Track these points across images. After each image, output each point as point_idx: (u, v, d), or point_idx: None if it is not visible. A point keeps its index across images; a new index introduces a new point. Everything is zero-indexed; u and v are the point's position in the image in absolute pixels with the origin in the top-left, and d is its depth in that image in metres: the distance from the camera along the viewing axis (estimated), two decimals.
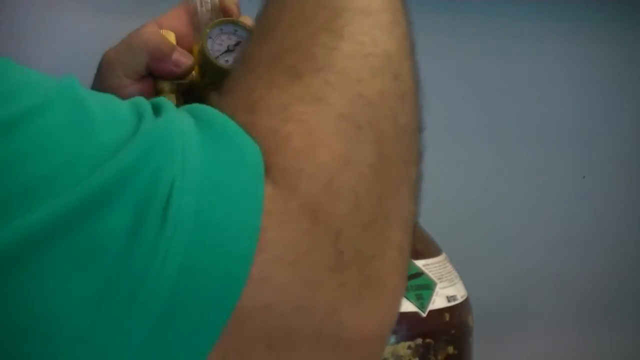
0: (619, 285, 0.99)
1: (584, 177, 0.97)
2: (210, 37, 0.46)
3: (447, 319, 0.54)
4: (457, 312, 0.55)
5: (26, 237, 0.26)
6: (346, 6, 0.34)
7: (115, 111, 0.29)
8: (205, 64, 0.46)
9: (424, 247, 0.56)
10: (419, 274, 0.54)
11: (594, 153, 0.97)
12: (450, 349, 0.54)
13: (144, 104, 0.31)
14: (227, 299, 0.28)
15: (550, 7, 0.93)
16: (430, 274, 0.54)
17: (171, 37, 0.47)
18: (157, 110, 0.30)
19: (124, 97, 0.45)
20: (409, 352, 0.52)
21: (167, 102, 0.31)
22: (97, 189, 0.26)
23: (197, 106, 0.32)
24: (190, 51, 0.47)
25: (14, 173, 0.26)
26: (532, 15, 0.93)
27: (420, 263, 0.54)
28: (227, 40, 0.46)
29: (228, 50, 0.46)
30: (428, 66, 0.90)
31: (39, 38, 0.74)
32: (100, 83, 0.46)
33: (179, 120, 0.30)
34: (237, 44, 0.46)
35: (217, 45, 0.46)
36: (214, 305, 0.28)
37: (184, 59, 0.46)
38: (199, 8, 0.48)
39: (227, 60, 0.46)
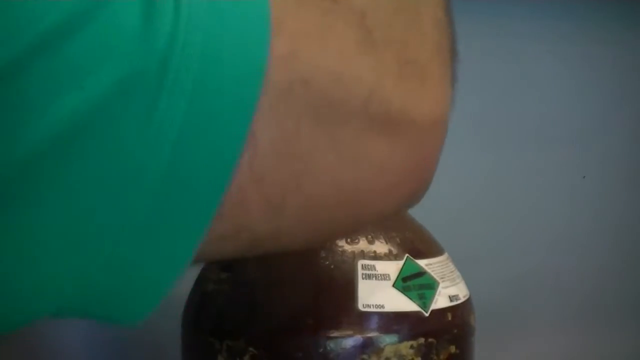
0: (619, 285, 0.99)
1: (584, 177, 0.97)
2: None
3: (450, 318, 0.54)
4: (459, 312, 0.55)
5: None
6: None
7: None
8: None
9: (426, 246, 0.56)
10: (422, 273, 0.54)
11: (594, 153, 0.97)
12: (453, 349, 0.54)
13: None
14: (253, 77, 0.26)
15: (550, 7, 0.93)
16: (432, 274, 0.54)
17: None
18: None
19: None
20: (411, 351, 0.52)
21: None
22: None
23: None
24: None
25: None
26: (532, 15, 0.93)
27: (422, 262, 0.54)
28: None
29: None
30: None
31: None
32: None
33: None
34: None
35: None
36: (243, 83, 0.26)
37: None
38: None
39: None
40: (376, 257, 0.53)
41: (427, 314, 0.52)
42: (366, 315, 0.51)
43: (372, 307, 0.51)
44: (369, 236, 0.54)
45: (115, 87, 0.24)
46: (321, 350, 0.51)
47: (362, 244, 0.53)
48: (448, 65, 0.33)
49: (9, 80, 0.23)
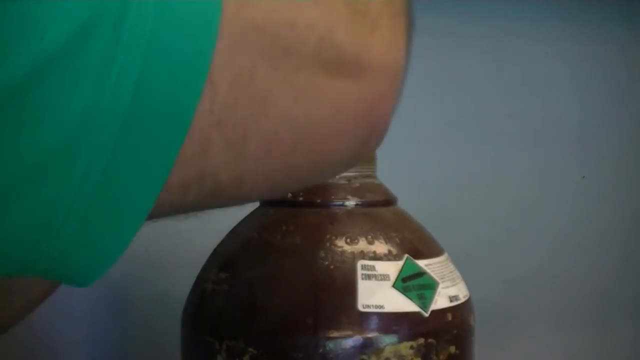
0: (619, 286, 0.99)
1: (583, 177, 0.97)
2: None
3: (450, 318, 0.54)
4: (459, 312, 0.55)
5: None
6: None
7: None
8: None
9: (425, 247, 0.56)
10: (421, 273, 0.53)
11: (594, 153, 0.97)
12: (452, 349, 0.54)
13: None
14: (209, 25, 0.27)
15: (550, 7, 0.93)
16: (432, 274, 0.54)
17: None
18: None
19: None
20: (411, 352, 0.52)
21: None
22: None
23: None
24: None
25: None
26: (531, 15, 0.93)
27: (422, 263, 0.54)
28: None
29: None
30: (428, 66, 0.91)
31: None
32: None
33: None
34: None
35: None
36: (199, 32, 0.27)
37: None
38: None
39: None
40: (376, 257, 0.53)
41: (427, 315, 0.52)
42: (366, 316, 0.51)
43: (371, 307, 0.51)
44: (369, 236, 0.54)
45: (72, 36, 0.24)
46: (321, 350, 0.51)
47: (362, 244, 0.53)
48: (401, 16, 0.34)
49: None
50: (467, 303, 0.56)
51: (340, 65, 0.31)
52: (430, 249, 0.56)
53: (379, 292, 0.52)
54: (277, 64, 0.29)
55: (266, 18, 0.29)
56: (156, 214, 0.29)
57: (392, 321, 0.52)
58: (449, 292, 0.54)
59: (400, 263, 0.53)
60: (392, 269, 0.53)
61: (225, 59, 0.28)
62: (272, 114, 0.30)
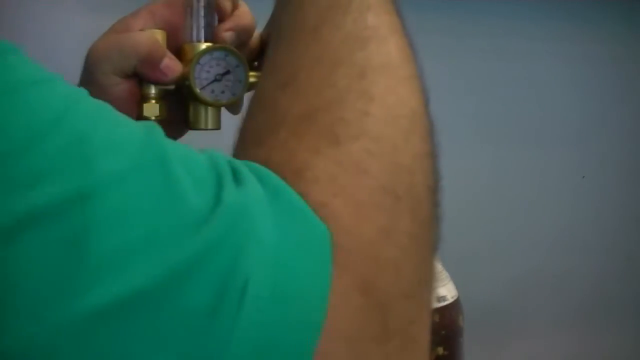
0: (619, 286, 0.99)
1: (583, 177, 0.97)
2: (199, 64, 0.46)
3: (437, 319, 0.54)
4: (447, 313, 0.55)
5: (109, 309, 0.26)
6: (368, 63, 0.35)
7: (197, 173, 0.29)
8: (190, 93, 0.46)
9: None
10: None
11: (593, 153, 0.97)
12: (441, 350, 0.54)
13: (222, 164, 0.31)
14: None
15: (550, 7, 0.93)
16: None
17: (162, 36, 0.47)
18: (235, 175, 0.31)
19: (112, 94, 0.45)
20: None
21: (243, 168, 0.31)
22: (182, 262, 0.27)
23: (258, 168, 0.32)
24: (179, 49, 0.47)
25: (94, 245, 0.26)
26: (531, 15, 0.93)
27: None
28: (216, 68, 0.46)
29: (215, 80, 0.46)
30: (428, 66, 0.91)
31: (40, 37, 0.75)
32: (88, 79, 0.46)
33: (254, 191, 0.30)
34: (226, 73, 0.46)
35: (205, 73, 0.46)
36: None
37: (172, 67, 0.46)
38: (195, 3, 0.48)
39: (212, 91, 0.46)
40: None
41: None
42: None
43: None
44: None
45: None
46: None
47: None
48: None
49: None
50: (455, 304, 0.56)
51: None
52: None
53: None
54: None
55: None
56: None
57: None
58: (437, 292, 0.55)
59: None
60: None
61: None
62: None
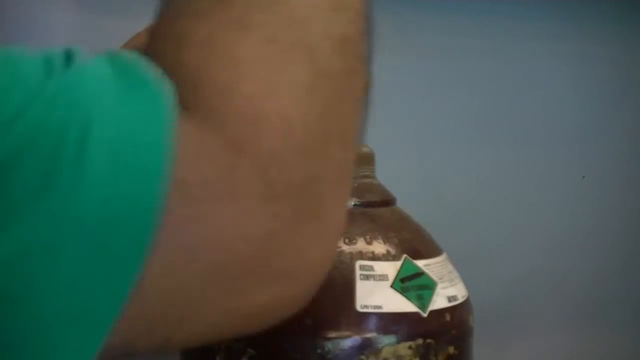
0: (619, 286, 0.99)
1: (583, 177, 0.97)
2: None
3: (448, 319, 0.54)
4: (457, 313, 0.55)
5: None
6: None
7: (15, 71, 0.29)
8: None
9: (424, 247, 0.56)
10: (420, 274, 0.53)
11: (594, 153, 0.97)
12: (451, 349, 0.54)
13: (57, 53, 0.31)
14: (138, 247, 0.28)
15: (549, 7, 0.93)
16: (431, 274, 0.54)
17: None
18: (69, 59, 0.30)
19: None
20: (409, 352, 0.52)
21: (94, 56, 0.31)
22: (7, 149, 0.27)
23: (118, 54, 0.31)
24: None
25: None
26: (531, 15, 0.93)
27: (421, 263, 0.54)
28: None
29: None
30: (428, 66, 0.91)
31: (30, 36, 0.74)
32: None
33: (93, 68, 0.30)
34: None
35: None
36: (131, 242, 0.28)
37: None
38: None
39: None
40: (374, 257, 0.53)
41: (425, 315, 0.52)
42: (364, 316, 0.51)
43: (370, 307, 0.51)
44: (367, 237, 0.54)
45: None
46: (319, 351, 0.51)
47: (361, 245, 0.53)
48: (347, 187, 0.36)
49: None
50: (465, 303, 0.56)
51: (280, 274, 0.33)
52: (428, 249, 0.56)
53: (377, 293, 0.52)
54: (220, 277, 0.32)
55: (206, 233, 0.30)
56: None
57: (390, 321, 0.52)
58: (447, 292, 0.54)
59: (399, 263, 0.53)
60: (390, 269, 0.53)
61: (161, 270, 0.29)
62: (199, 319, 0.33)
